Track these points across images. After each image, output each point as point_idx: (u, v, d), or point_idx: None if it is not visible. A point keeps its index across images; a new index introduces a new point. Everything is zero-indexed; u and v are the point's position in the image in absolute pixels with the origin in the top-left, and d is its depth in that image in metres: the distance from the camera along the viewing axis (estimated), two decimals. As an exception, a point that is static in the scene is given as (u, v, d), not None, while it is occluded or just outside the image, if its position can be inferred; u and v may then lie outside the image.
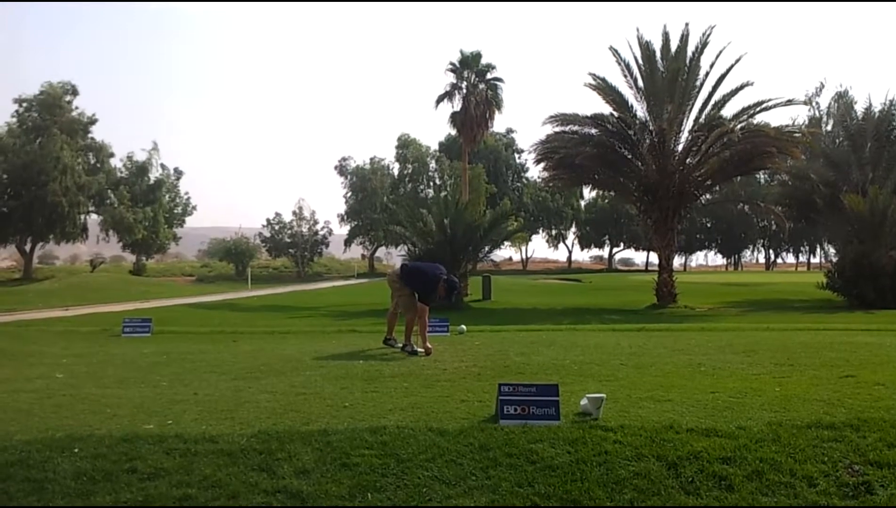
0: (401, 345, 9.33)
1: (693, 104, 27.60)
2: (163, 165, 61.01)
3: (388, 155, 75.81)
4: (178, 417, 5.14)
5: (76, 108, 49.69)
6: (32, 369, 7.82)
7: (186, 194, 65.19)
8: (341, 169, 74.71)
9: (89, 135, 50.64)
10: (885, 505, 3.52)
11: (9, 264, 61.82)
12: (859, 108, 34.52)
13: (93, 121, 50.12)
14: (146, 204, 57.06)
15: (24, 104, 46.90)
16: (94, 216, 54.22)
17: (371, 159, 75.27)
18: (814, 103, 58.09)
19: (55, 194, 44.61)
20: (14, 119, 47.15)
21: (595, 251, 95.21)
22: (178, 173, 62.84)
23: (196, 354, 9.12)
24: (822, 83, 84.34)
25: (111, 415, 5.23)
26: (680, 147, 27.93)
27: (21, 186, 45.06)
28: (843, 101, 37.44)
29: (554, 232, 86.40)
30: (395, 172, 74.66)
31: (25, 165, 44.33)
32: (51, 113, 46.60)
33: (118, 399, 5.88)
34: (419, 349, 8.99)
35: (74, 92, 49.16)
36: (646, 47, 27.26)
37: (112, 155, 53.55)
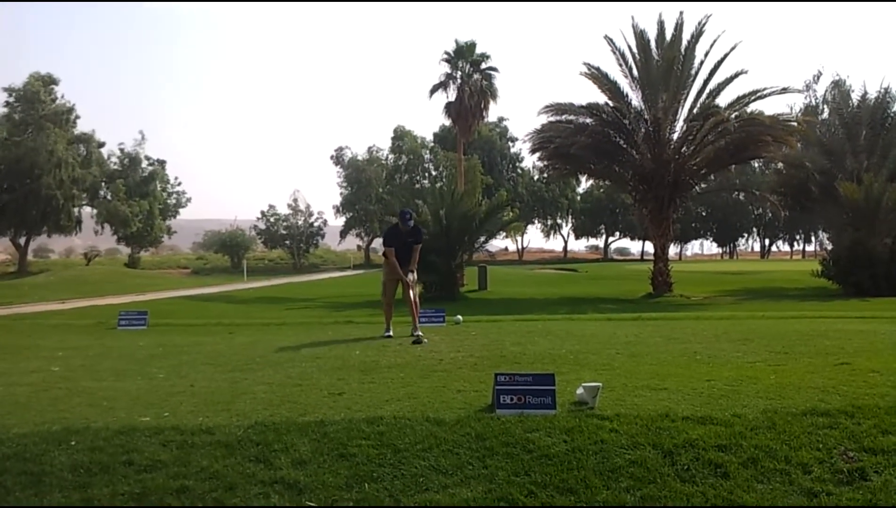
0: (419, 335, 9.33)
1: (688, 93, 27.60)
2: (147, 157, 60.72)
3: (384, 144, 75.85)
4: (175, 409, 5.14)
5: (62, 95, 49.51)
6: (28, 362, 7.81)
7: (178, 180, 64.92)
8: (337, 158, 74.62)
9: (75, 126, 50.33)
10: (879, 491, 3.53)
11: (3, 258, 61.66)
12: (855, 95, 34.44)
13: (70, 109, 49.70)
14: (141, 197, 56.89)
15: (13, 95, 46.70)
16: (87, 209, 54.10)
17: (369, 149, 75.31)
18: (811, 91, 58.07)
19: (49, 188, 44.49)
20: (5, 109, 47.01)
21: (591, 241, 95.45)
22: (161, 164, 62.32)
23: (192, 346, 9.12)
24: (819, 71, 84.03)
25: (108, 408, 5.23)
26: (675, 136, 27.96)
27: (15, 180, 44.91)
28: (839, 89, 37.33)
29: (549, 222, 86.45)
30: (391, 163, 74.51)
31: (18, 159, 44.16)
32: (33, 106, 46.35)
33: (115, 392, 5.88)
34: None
35: (53, 82, 48.79)
36: (641, 36, 27.22)
37: (103, 144, 53.34)
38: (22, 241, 49.49)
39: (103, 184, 54.27)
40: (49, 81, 48.50)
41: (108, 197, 54.65)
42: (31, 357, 8.27)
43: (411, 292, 9.92)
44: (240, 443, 4.17)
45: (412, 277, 9.96)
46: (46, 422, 4.70)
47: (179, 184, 65.38)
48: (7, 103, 47.11)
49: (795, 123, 29.60)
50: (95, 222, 55.31)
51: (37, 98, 46.78)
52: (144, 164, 60.12)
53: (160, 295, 30.19)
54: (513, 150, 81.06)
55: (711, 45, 26.94)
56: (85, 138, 51.34)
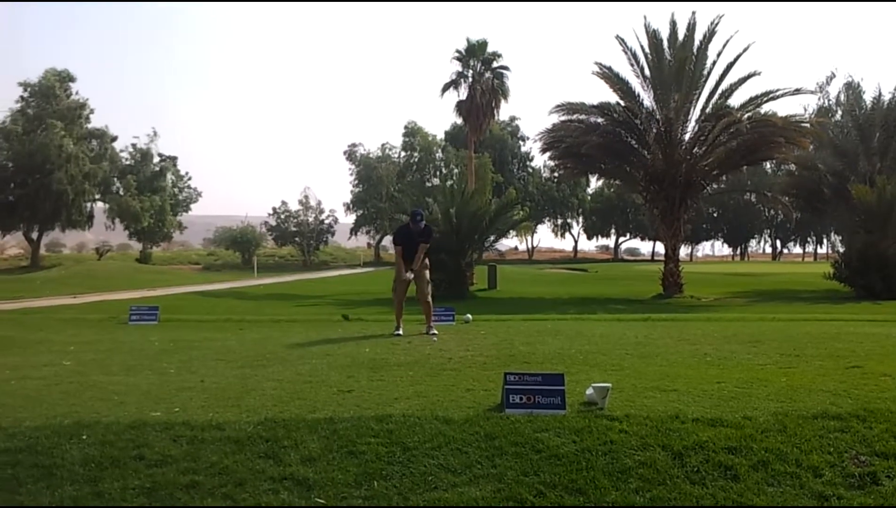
0: (433, 334, 9.55)
1: (700, 93, 27.47)
2: (159, 154, 61.03)
3: (396, 142, 75.89)
4: (185, 404, 5.17)
5: (76, 92, 49.89)
6: (40, 356, 7.86)
7: (188, 176, 65.19)
8: (350, 155, 74.68)
9: (88, 122, 50.60)
10: (890, 496, 3.52)
11: (16, 252, 62.04)
12: (868, 97, 34.26)
13: (83, 105, 50.02)
14: (152, 192, 57.13)
15: (28, 90, 47.07)
16: (99, 204, 54.36)
17: (382, 146, 75.40)
18: (823, 93, 57.83)
19: (60, 183, 44.72)
20: (18, 105, 47.39)
21: (601, 241, 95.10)
22: (173, 160, 62.56)
23: (203, 342, 9.15)
24: (832, 72, 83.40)
25: (118, 402, 5.26)
26: (687, 136, 27.83)
27: (27, 175, 45.20)
28: (852, 90, 37.18)
29: (560, 221, 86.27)
30: (402, 160, 74.52)
31: (30, 154, 44.45)
32: (48, 101, 46.71)
33: (125, 387, 5.91)
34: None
35: (70, 79, 49.23)
36: (653, 36, 27.11)
37: (115, 139, 53.59)
38: (34, 235, 49.79)
39: (115, 179, 54.51)
40: (66, 78, 48.90)
41: (120, 192, 54.90)
42: (42, 351, 8.32)
43: (423, 291, 9.97)
44: (249, 439, 4.19)
45: (410, 275, 9.96)
46: (58, 416, 4.73)
47: (190, 179, 65.68)
48: (21, 98, 47.52)
49: (808, 125, 29.47)
50: (107, 218, 55.58)
51: (52, 93, 47.12)
52: (156, 159, 60.39)
53: (171, 291, 30.28)
54: (524, 149, 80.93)
55: (724, 46, 26.83)
56: (98, 134, 51.61)
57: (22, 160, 44.95)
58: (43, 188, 44.62)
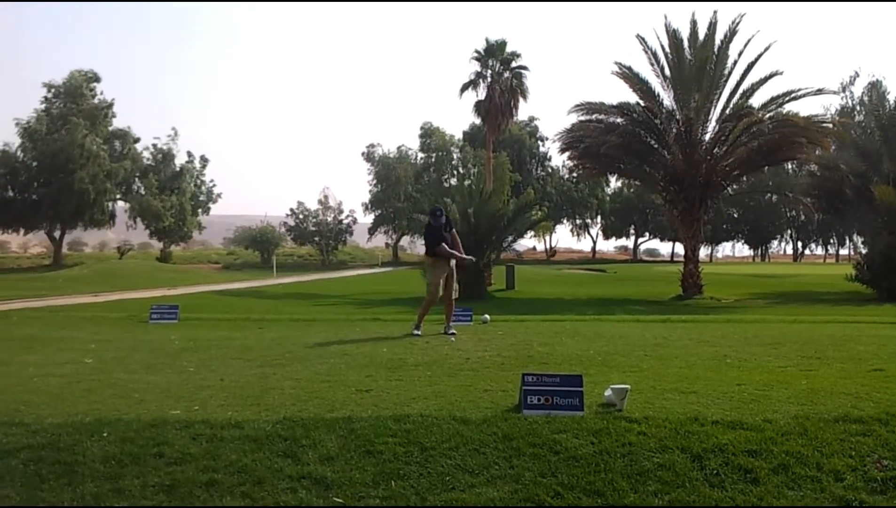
0: (452, 333, 9.68)
1: (721, 93, 27.32)
2: (189, 153, 61.71)
3: (414, 144, 75.88)
4: (205, 403, 5.20)
5: (101, 92, 50.58)
6: (62, 354, 7.94)
7: (212, 181, 65.83)
8: (368, 155, 74.80)
9: (112, 122, 51.23)
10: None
11: (39, 251, 62.77)
12: (892, 97, 33.82)
13: (110, 105, 50.66)
14: (172, 192, 57.63)
15: (52, 90, 47.70)
16: (121, 203, 54.93)
17: (399, 148, 75.47)
18: (847, 93, 57.19)
19: (82, 182, 45.20)
20: (42, 105, 48.01)
21: (620, 242, 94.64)
22: (204, 161, 63.33)
23: (222, 340, 9.21)
24: (856, 72, 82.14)
25: (139, 400, 5.30)
26: (707, 137, 27.70)
27: (50, 174, 45.74)
28: (876, 90, 36.70)
29: (578, 222, 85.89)
30: (420, 160, 74.51)
31: (54, 153, 44.98)
32: (75, 102, 47.31)
33: (146, 385, 5.96)
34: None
35: (96, 79, 49.91)
36: (673, 35, 26.99)
37: (137, 140, 54.19)
38: (57, 234, 50.36)
39: (136, 179, 55.06)
40: (92, 78, 49.56)
41: (141, 192, 55.45)
42: (64, 349, 8.40)
43: (452, 288, 10.04)
44: (268, 438, 4.21)
45: (472, 259, 10.58)
46: (79, 413, 4.78)
47: (214, 184, 66.26)
48: (45, 99, 48.14)
49: (830, 125, 29.18)
50: (128, 217, 56.11)
51: (78, 93, 47.73)
52: (185, 159, 61.12)
53: (191, 290, 30.49)
54: (542, 149, 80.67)
55: (745, 45, 26.70)
56: (121, 134, 52.18)
57: (45, 160, 45.54)
58: (66, 187, 45.15)
